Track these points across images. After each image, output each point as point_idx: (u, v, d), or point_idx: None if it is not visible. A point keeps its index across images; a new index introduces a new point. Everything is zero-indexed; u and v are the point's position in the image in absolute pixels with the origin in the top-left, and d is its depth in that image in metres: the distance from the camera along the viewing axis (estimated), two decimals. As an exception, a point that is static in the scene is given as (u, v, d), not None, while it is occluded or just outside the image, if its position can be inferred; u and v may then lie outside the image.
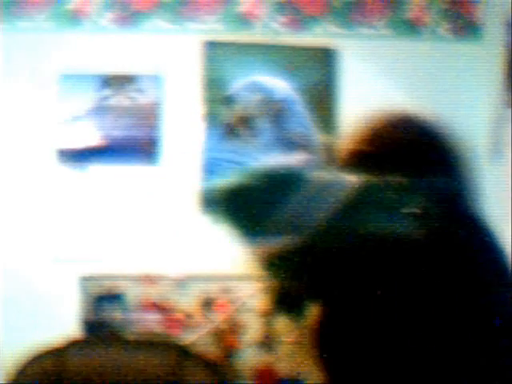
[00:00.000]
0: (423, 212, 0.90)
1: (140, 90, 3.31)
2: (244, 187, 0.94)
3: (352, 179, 0.93)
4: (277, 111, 3.33)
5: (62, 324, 3.12)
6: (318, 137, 3.37)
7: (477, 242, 0.94)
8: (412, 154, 0.98)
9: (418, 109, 1.04)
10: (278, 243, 0.89)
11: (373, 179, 0.93)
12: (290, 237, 0.89)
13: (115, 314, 3.17)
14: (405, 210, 0.90)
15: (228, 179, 0.95)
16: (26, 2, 3.27)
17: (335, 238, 0.88)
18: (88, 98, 3.28)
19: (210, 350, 3.13)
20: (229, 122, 3.32)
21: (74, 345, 2.94)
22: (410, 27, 3.38)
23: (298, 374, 3.21)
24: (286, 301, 0.95)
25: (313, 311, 0.92)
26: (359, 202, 0.90)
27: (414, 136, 1.00)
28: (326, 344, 0.90)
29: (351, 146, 1.00)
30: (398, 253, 0.88)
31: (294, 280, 0.92)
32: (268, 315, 3.21)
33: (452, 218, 0.94)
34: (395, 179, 0.93)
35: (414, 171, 0.94)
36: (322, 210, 0.89)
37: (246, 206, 0.92)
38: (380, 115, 1.02)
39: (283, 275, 0.92)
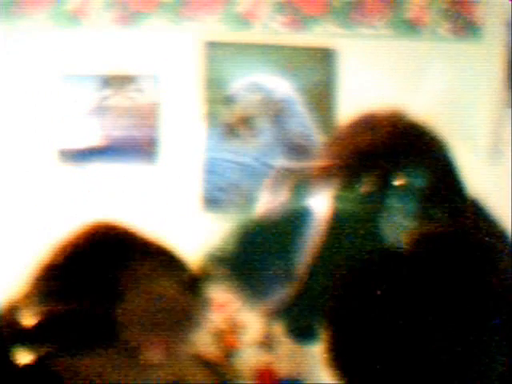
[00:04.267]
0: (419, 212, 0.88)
1: (140, 90, 3.31)
2: (233, 250, 0.92)
3: (322, 205, 0.91)
4: (277, 111, 3.34)
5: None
6: (318, 137, 3.39)
7: (479, 244, 0.92)
8: (380, 154, 0.95)
9: (404, 105, 1.02)
10: (279, 296, 0.89)
11: (344, 194, 0.91)
12: (289, 285, 0.89)
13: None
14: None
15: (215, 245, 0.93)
16: (25, 2, 3.27)
17: (329, 269, 0.88)
18: (88, 98, 3.28)
19: (209, 349, 3.13)
20: (229, 122, 3.34)
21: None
22: (410, 27, 3.38)
23: (298, 374, 3.21)
24: (296, 330, 0.95)
25: (324, 335, 0.92)
26: (338, 225, 0.89)
27: (379, 136, 0.98)
28: (341, 362, 0.90)
29: (318, 164, 0.98)
30: (397, 262, 0.87)
31: (303, 319, 0.92)
32: (268, 315, 3.21)
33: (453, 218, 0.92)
34: (368, 186, 0.92)
35: (387, 171, 0.92)
36: (306, 248, 0.88)
37: (240, 268, 0.91)
38: (363, 112, 1.00)
39: (293, 319, 0.92)
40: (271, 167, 3.30)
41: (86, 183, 3.25)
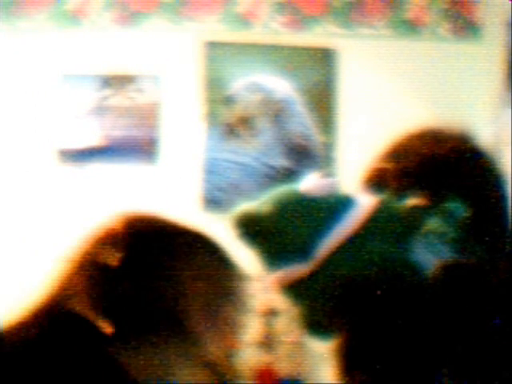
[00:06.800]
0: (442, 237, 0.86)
1: (140, 90, 3.31)
2: (265, 214, 0.91)
3: (367, 201, 0.90)
4: (277, 111, 3.34)
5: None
6: (318, 137, 3.39)
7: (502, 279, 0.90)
8: (436, 172, 0.92)
9: (446, 123, 0.99)
10: (295, 269, 0.88)
11: (388, 201, 0.89)
12: (306, 263, 0.87)
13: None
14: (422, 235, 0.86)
15: (251, 204, 0.92)
16: (25, 2, 3.27)
17: (349, 264, 0.86)
18: (88, 98, 3.28)
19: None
20: (229, 122, 3.34)
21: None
22: (410, 27, 3.39)
23: (298, 373, 3.21)
24: (312, 325, 0.94)
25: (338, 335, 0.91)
26: (374, 226, 0.87)
27: (440, 152, 0.94)
28: (351, 364, 0.89)
29: (373, 164, 0.96)
30: (412, 281, 0.86)
31: (314, 306, 0.91)
32: (268, 315, 3.21)
33: (477, 246, 0.89)
34: (413, 201, 0.89)
35: (438, 191, 0.90)
36: (336, 234, 0.87)
37: (266, 232, 0.90)
38: (405, 130, 0.97)
39: (302, 301, 0.91)
40: (271, 167, 3.31)
41: (86, 183, 3.26)
